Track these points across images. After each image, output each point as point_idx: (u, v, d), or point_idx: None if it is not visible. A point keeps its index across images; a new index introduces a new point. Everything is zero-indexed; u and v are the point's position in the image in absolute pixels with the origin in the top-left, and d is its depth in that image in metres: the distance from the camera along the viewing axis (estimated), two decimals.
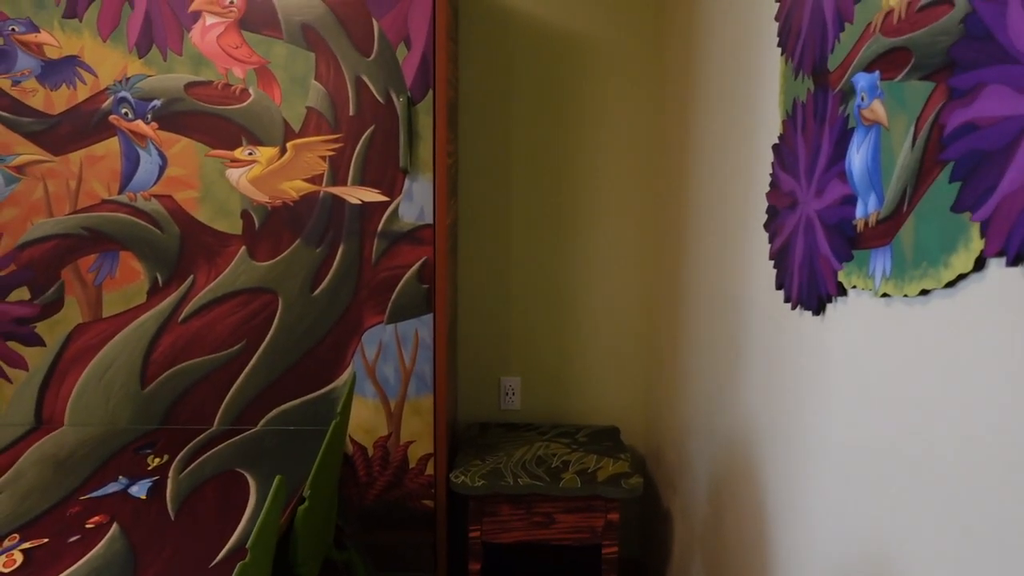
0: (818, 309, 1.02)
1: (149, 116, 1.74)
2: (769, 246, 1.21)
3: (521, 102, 2.19)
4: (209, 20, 1.71)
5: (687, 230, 1.82)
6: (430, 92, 1.75)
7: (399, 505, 1.90)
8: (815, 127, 1.02)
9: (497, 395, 2.31)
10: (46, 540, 1.27)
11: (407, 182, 1.78)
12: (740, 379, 1.38)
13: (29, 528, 1.31)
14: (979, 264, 0.68)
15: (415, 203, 1.79)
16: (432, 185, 1.78)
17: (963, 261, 0.69)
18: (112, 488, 1.49)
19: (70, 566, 1.18)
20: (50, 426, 1.84)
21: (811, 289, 1.04)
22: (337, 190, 1.78)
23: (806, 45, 1.06)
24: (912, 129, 0.78)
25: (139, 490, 1.48)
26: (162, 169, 1.76)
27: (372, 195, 1.78)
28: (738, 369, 1.39)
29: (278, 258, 1.80)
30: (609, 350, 2.28)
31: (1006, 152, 0.63)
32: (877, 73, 0.86)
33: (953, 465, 0.73)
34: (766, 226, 1.22)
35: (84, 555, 1.22)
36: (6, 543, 1.26)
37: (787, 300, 1.13)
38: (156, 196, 1.78)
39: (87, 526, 1.32)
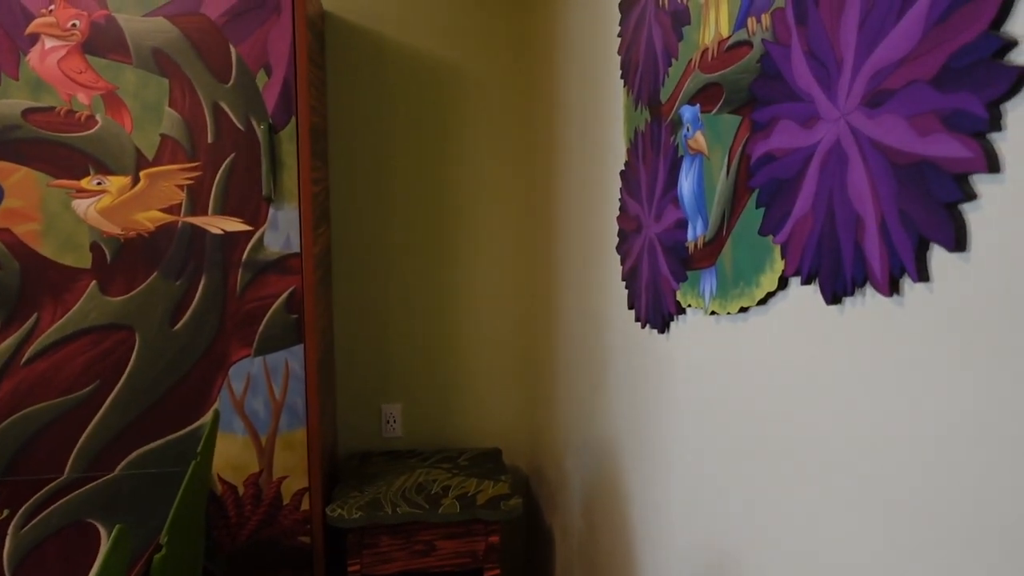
0: (663, 327, 1.07)
1: None
2: (621, 268, 1.27)
3: (394, 128, 2.19)
4: (49, 43, 1.62)
5: (556, 253, 1.88)
6: (292, 119, 1.72)
7: (274, 544, 1.83)
8: (652, 155, 1.09)
9: (379, 423, 2.28)
10: None
11: (272, 211, 1.74)
12: (604, 395, 1.43)
13: None
14: (782, 283, 0.74)
15: (281, 232, 1.75)
16: (298, 213, 1.75)
17: (770, 280, 0.75)
18: None
19: None
20: None
21: (656, 308, 1.09)
22: (197, 220, 1.71)
23: (643, 78, 1.12)
24: (727, 158, 0.84)
25: None
26: None
27: (235, 224, 1.73)
28: (603, 386, 1.44)
29: (133, 292, 1.71)
30: (490, 372, 2.30)
31: (797, 180, 0.70)
32: (698, 106, 0.92)
33: (782, 465, 0.78)
34: (617, 248, 1.28)
35: None
36: None
37: (637, 319, 1.18)
38: None
39: None
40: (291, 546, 1.83)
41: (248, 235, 1.73)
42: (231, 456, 1.79)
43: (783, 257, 0.72)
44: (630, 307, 1.22)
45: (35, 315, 1.68)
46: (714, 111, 0.87)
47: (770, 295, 0.76)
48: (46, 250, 1.67)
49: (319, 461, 1.83)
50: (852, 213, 0.61)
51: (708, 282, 0.90)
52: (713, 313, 0.90)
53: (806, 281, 0.69)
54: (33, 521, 1.47)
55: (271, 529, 1.83)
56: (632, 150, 1.18)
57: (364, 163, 2.20)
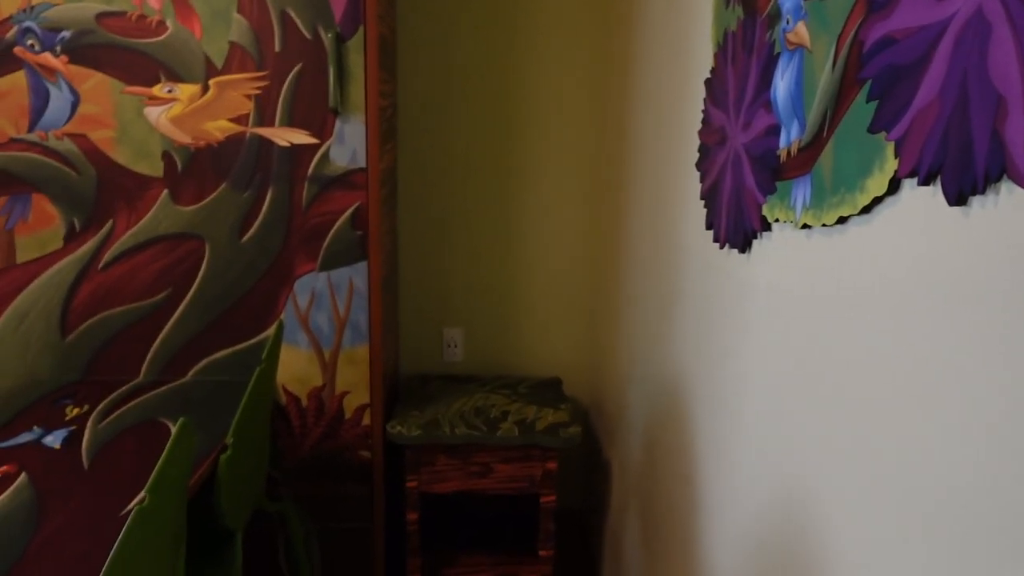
0: (744, 246, 1.00)
1: (58, 48, 1.63)
2: (700, 186, 1.19)
3: (463, 43, 2.12)
4: None
5: (627, 174, 1.79)
6: (361, 28, 1.66)
7: (335, 456, 1.86)
8: (744, 56, 0.99)
9: (440, 346, 2.28)
10: None
11: (338, 124, 1.70)
12: (673, 324, 1.37)
13: None
14: (893, 186, 0.66)
15: (347, 146, 1.71)
16: (365, 127, 1.71)
17: (878, 183, 0.67)
18: (25, 438, 1.42)
19: None
20: None
21: (737, 226, 1.01)
22: (264, 131, 1.70)
23: None
24: (833, 49, 0.75)
25: (53, 440, 1.41)
26: (74, 106, 1.66)
27: (301, 137, 1.70)
28: (673, 314, 1.38)
29: (203, 202, 1.72)
30: (553, 301, 2.25)
31: (921, 64, 0.61)
32: None
33: (871, 399, 0.72)
34: (698, 165, 1.20)
35: None
36: None
37: (716, 240, 1.11)
38: (69, 135, 1.67)
39: None
40: (351, 459, 1.86)
41: (314, 148, 1.71)
42: (295, 369, 1.82)
43: (897, 155, 0.64)
44: (708, 227, 1.14)
45: (111, 221, 1.72)
46: None
47: (877, 201, 0.68)
48: (120, 157, 1.69)
49: (380, 378, 1.84)
50: (992, 95, 0.52)
51: (801, 192, 0.82)
52: (805, 227, 0.82)
53: (924, 181, 0.60)
54: (109, 418, 1.53)
55: (332, 442, 1.86)
56: (720, 54, 1.09)
57: (432, 79, 2.13)
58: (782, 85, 0.87)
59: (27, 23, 1.61)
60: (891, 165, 0.65)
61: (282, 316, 1.78)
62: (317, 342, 1.80)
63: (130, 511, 1.16)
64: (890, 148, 0.65)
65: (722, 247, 1.09)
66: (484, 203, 2.19)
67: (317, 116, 1.70)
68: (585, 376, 2.30)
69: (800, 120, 0.82)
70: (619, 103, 1.89)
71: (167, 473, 0.93)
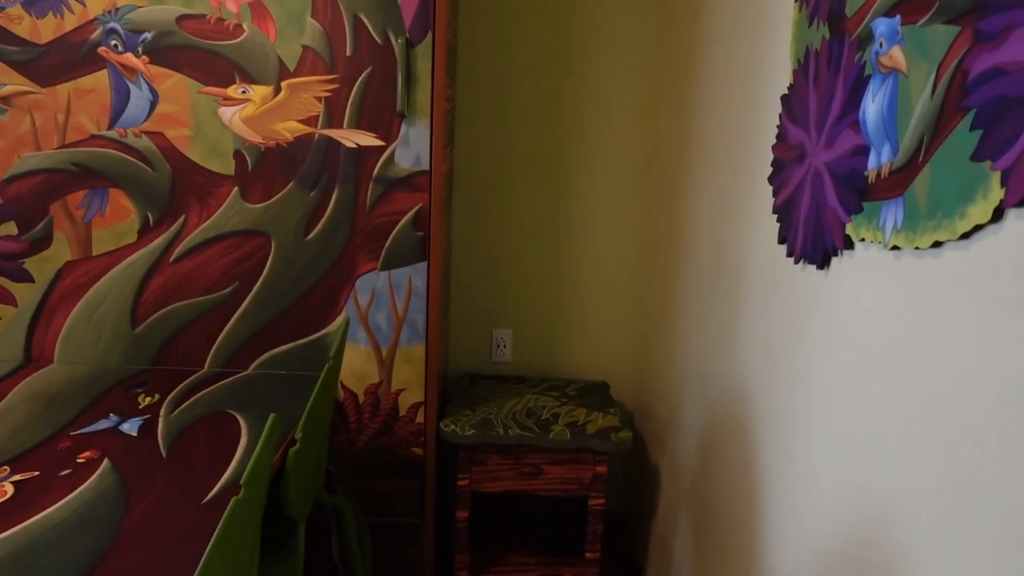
0: (823, 263, 1.01)
1: (140, 49, 1.69)
2: (773, 199, 1.20)
3: (520, 49, 2.14)
4: None
5: (686, 184, 1.80)
6: (429, 34, 1.70)
7: (388, 452, 1.91)
8: (828, 76, 1.00)
9: (488, 347, 2.31)
10: (36, 473, 1.26)
11: (404, 127, 1.74)
12: (736, 334, 1.38)
13: (19, 461, 1.30)
14: (997, 215, 0.67)
15: (411, 149, 1.75)
16: (429, 131, 1.74)
17: (981, 211, 0.68)
18: (103, 425, 1.48)
19: (60, 499, 1.18)
20: (39, 363, 1.82)
21: (816, 242, 1.03)
22: (333, 133, 1.74)
23: None
24: (933, 76, 0.76)
25: (130, 427, 1.47)
26: (153, 105, 1.72)
27: (368, 139, 1.75)
28: (735, 324, 1.39)
29: (271, 200, 1.77)
30: (601, 306, 2.27)
31: None
32: (898, 18, 0.83)
33: (959, 425, 0.73)
34: (771, 179, 1.21)
35: (75, 489, 1.21)
36: None
37: (790, 254, 1.12)
38: (147, 133, 1.73)
39: (78, 461, 1.32)
40: (404, 456, 1.90)
41: (380, 150, 1.75)
42: (354, 365, 1.86)
43: (1003, 185, 0.65)
44: (781, 241, 1.15)
45: (183, 216, 1.77)
46: (921, 22, 0.78)
47: (978, 228, 0.69)
48: (194, 155, 1.74)
49: (436, 377, 1.88)
50: None
51: (891, 214, 0.83)
52: (894, 248, 0.83)
53: None
54: (180, 407, 1.59)
55: (386, 438, 1.90)
56: (800, 71, 1.10)
57: (490, 86, 2.16)
58: (872, 107, 0.88)
59: (111, 24, 1.67)
60: (996, 194, 0.66)
61: (343, 314, 1.83)
62: (376, 340, 1.85)
63: (210, 500, 1.20)
64: (995, 177, 0.66)
65: (796, 262, 1.10)
66: (536, 208, 2.22)
67: (384, 119, 1.74)
68: (631, 381, 2.32)
69: (892, 143, 0.83)
70: (678, 114, 1.90)
71: (260, 465, 0.98)
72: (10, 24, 1.67)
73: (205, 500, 1.20)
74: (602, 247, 2.24)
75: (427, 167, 1.76)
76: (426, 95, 1.73)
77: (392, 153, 1.75)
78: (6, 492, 1.20)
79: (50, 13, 1.67)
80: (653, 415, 2.09)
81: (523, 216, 2.23)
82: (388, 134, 1.74)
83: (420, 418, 1.89)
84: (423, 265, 1.81)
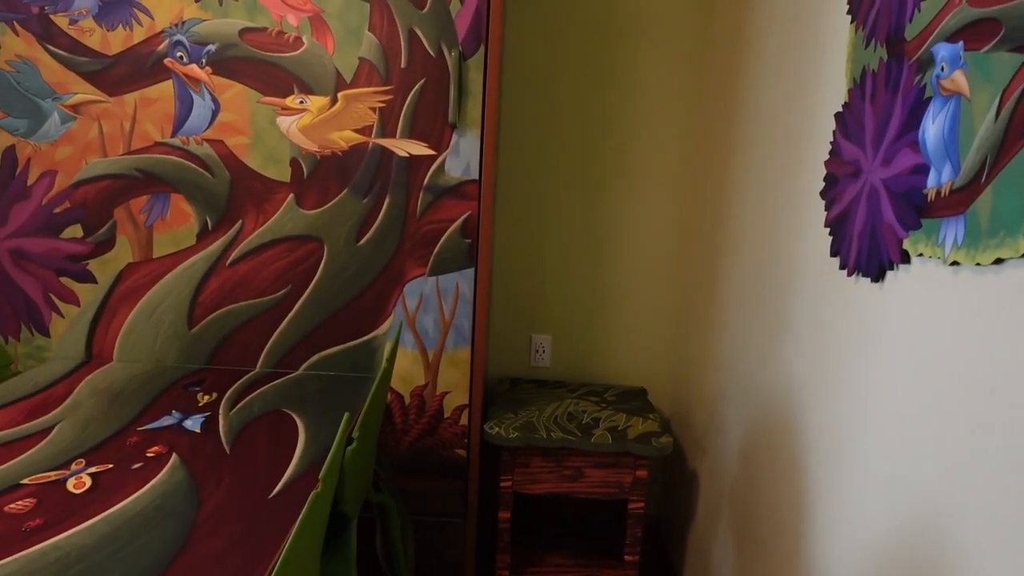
0: (878, 276, 1.04)
1: (203, 60, 1.76)
2: (825, 213, 1.23)
3: (563, 61, 2.19)
4: None
5: (728, 197, 1.84)
6: (481, 48, 1.75)
7: (432, 453, 1.96)
8: (886, 96, 1.04)
9: (528, 352, 2.35)
10: (110, 466, 1.32)
11: (454, 137, 1.79)
12: (784, 344, 1.41)
13: (92, 454, 1.37)
14: None
15: (461, 158, 1.80)
16: (479, 141, 1.80)
17: None
18: (167, 421, 1.54)
19: (136, 491, 1.24)
20: (99, 361, 1.90)
21: (872, 256, 1.06)
22: (386, 142, 1.80)
23: (880, 14, 1.06)
24: (997, 101, 0.79)
25: (193, 424, 1.53)
26: (215, 114, 1.78)
27: (420, 148, 1.80)
28: (782, 334, 1.42)
29: (325, 207, 1.83)
30: (639, 313, 2.31)
31: None
32: (961, 44, 0.87)
33: (1015, 434, 0.76)
34: (823, 193, 1.24)
35: (149, 481, 1.28)
36: (73, 467, 1.31)
37: (843, 267, 1.15)
38: (208, 140, 1.80)
39: (147, 455, 1.38)
40: (447, 457, 1.95)
41: (431, 159, 1.80)
42: (401, 368, 1.92)
43: None
44: (833, 254, 1.19)
45: (240, 221, 1.84)
46: (985, 49, 0.82)
47: None
48: (252, 162, 1.81)
49: (481, 381, 1.92)
50: None
51: (952, 231, 0.86)
52: (954, 264, 0.86)
53: None
54: (238, 406, 1.65)
55: (431, 439, 1.95)
56: (856, 90, 1.13)
57: (531, 94, 2.21)
58: (933, 128, 0.91)
59: (178, 37, 1.74)
60: None
61: (391, 318, 1.88)
62: (423, 343, 1.90)
63: (277, 494, 1.26)
64: None
65: (850, 274, 1.13)
66: (575, 217, 2.26)
67: (435, 129, 1.79)
68: (667, 387, 2.35)
69: (953, 163, 0.87)
70: (720, 128, 1.94)
71: (335, 462, 1.03)
72: (82, 36, 1.75)
73: (272, 494, 1.26)
74: (639, 256, 2.27)
75: (476, 176, 1.81)
76: (477, 106, 1.78)
77: (443, 162, 1.80)
78: (85, 483, 1.26)
79: (120, 26, 1.74)
80: (691, 421, 2.12)
81: (563, 224, 2.27)
82: (439, 144, 1.80)
83: (464, 420, 1.94)
84: (470, 271, 1.86)
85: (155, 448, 1.41)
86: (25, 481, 1.25)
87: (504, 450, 1.90)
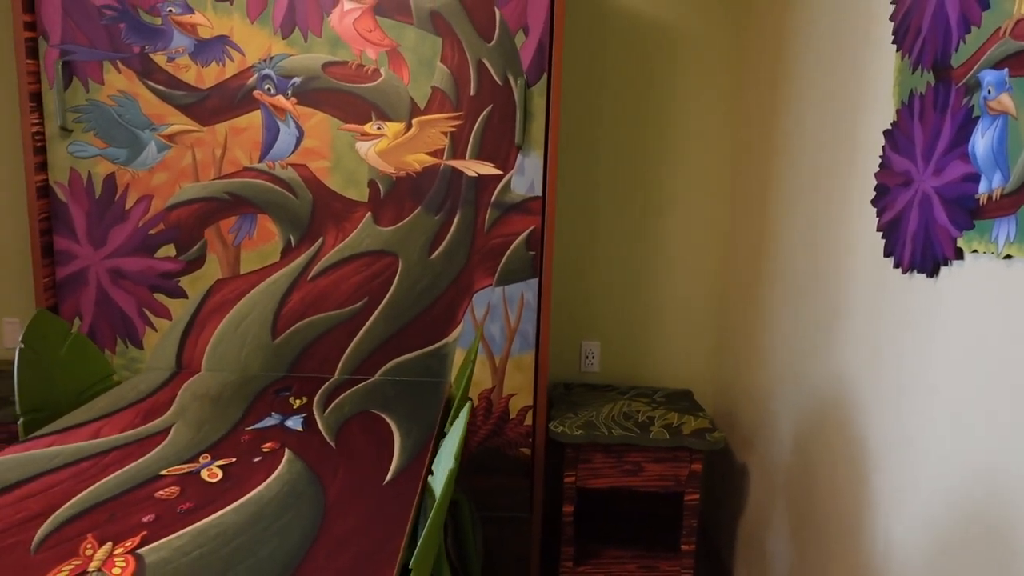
0: (933, 271, 1.19)
1: (289, 92, 1.92)
2: (877, 219, 1.38)
3: (610, 86, 2.35)
4: (347, 6, 1.89)
5: (773, 209, 1.99)
6: (545, 75, 1.91)
7: (499, 452, 2.09)
8: (935, 115, 1.19)
9: (578, 357, 2.49)
10: (234, 459, 1.47)
11: (519, 157, 1.95)
12: (837, 339, 1.55)
13: (213, 450, 1.51)
14: None
15: (526, 177, 1.96)
16: (543, 160, 1.95)
17: None
18: (270, 421, 1.68)
19: (263, 480, 1.38)
20: (189, 371, 2.04)
21: (926, 254, 1.21)
22: (456, 163, 1.96)
23: (926, 44, 1.22)
24: None
25: (294, 424, 1.68)
26: (299, 140, 1.95)
27: (488, 168, 1.96)
28: (834, 331, 1.57)
29: (400, 224, 1.99)
30: (683, 319, 2.45)
31: None
32: (1006, 71, 1.02)
33: None
34: (874, 201, 1.39)
35: (272, 471, 1.42)
36: (201, 460, 1.46)
37: (897, 266, 1.30)
38: (292, 165, 1.96)
39: (263, 449, 1.52)
40: (513, 456, 2.09)
41: (498, 178, 1.96)
42: None
43: None
44: (887, 255, 1.33)
45: (321, 239, 1.99)
46: None
47: None
48: (333, 184, 1.97)
49: (545, 383, 2.06)
50: None
51: (1004, 229, 1.01)
52: (1007, 257, 1.01)
53: None
54: (329, 407, 1.79)
55: (498, 439, 2.09)
56: (905, 110, 1.28)
57: (581, 116, 2.37)
58: (982, 142, 1.06)
59: (266, 71, 1.91)
60: None
61: (460, 326, 2.03)
62: (490, 349, 2.04)
63: (390, 481, 1.40)
64: None
65: (904, 272, 1.28)
66: (621, 229, 2.41)
67: (501, 150, 1.95)
68: (711, 387, 2.49)
69: (1003, 171, 1.02)
70: (761, 142, 2.09)
71: (462, 444, 1.17)
72: (179, 72, 1.92)
73: (385, 481, 1.40)
74: (682, 266, 2.42)
75: (539, 193, 1.97)
76: (540, 129, 1.94)
77: (509, 181, 1.96)
78: (217, 474, 1.40)
79: (213, 62, 1.91)
80: (736, 419, 2.26)
81: (609, 235, 2.42)
82: (505, 164, 1.95)
83: (528, 421, 2.08)
84: (534, 281, 2.01)
85: (268, 444, 1.55)
86: (164, 472, 1.40)
87: (568, 447, 2.04)
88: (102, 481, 1.34)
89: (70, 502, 1.26)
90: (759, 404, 2.06)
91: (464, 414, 1.19)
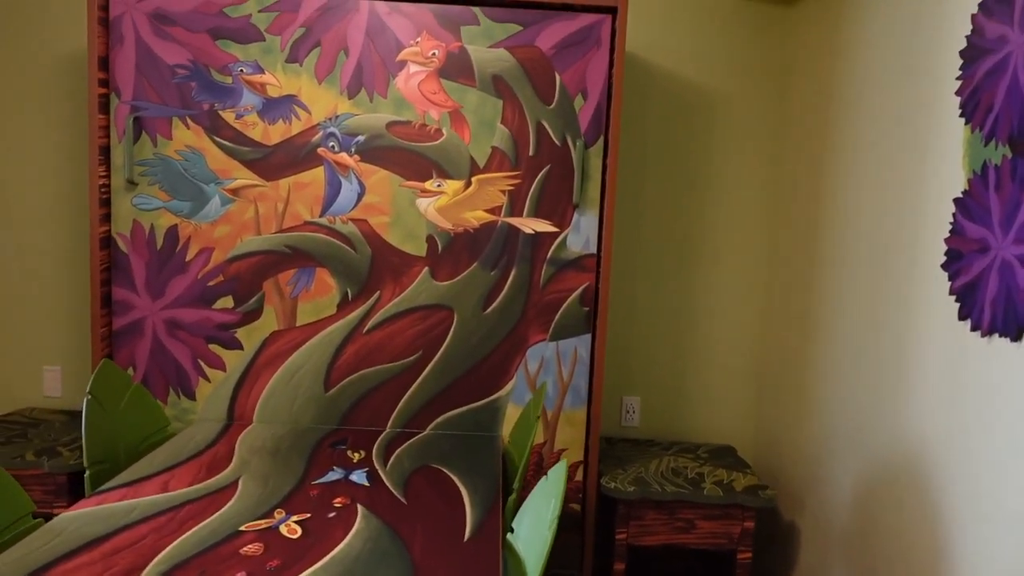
0: (1017, 336, 1.23)
1: (353, 149, 1.97)
2: (949, 283, 1.42)
3: (653, 146, 2.42)
4: (413, 68, 1.95)
5: (822, 271, 2.03)
6: (601, 138, 1.97)
7: None
8: (1013, 187, 1.24)
9: (619, 412, 2.50)
10: (308, 515, 1.46)
11: (576, 215, 2.00)
12: (907, 400, 1.58)
13: (287, 504, 1.50)
14: None
15: (581, 234, 2.00)
16: (598, 218, 2.00)
17: None
18: (334, 476, 1.68)
19: (344, 536, 1.37)
20: (240, 423, 2.04)
21: (1008, 318, 1.24)
22: (514, 220, 2.00)
23: (1000, 118, 1.28)
24: None
25: (359, 478, 1.67)
26: (360, 196, 1.99)
27: (544, 226, 2.00)
28: (901, 391, 1.59)
29: (456, 279, 2.02)
30: (723, 375, 2.47)
31: None
32: None
33: None
34: (945, 266, 1.43)
35: (350, 527, 1.41)
36: (276, 516, 1.45)
37: (975, 329, 1.34)
38: (353, 220, 2.00)
39: (335, 505, 1.52)
40: (564, 510, 2.08)
41: (554, 236, 2.00)
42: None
43: None
44: (962, 319, 1.37)
45: (378, 292, 2.02)
46: None
47: None
48: (392, 239, 2.00)
49: (597, 439, 2.07)
50: None
51: None
52: None
53: None
54: (390, 462, 1.79)
55: None
56: (977, 180, 1.34)
57: (625, 174, 2.44)
58: None
59: (331, 129, 1.96)
60: None
61: (513, 381, 2.04)
62: (543, 404, 2.05)
63: (471, 537, 1.39)
64: None
65: (984, 335, 1.31)
66: (663, 286, 2.45)
67: (559, 208, 2.00)
68: (752, 443, 2.49)
69: None
70: (808, 206, 2.15)
71: (560, 509, 1.18)
72: (246, 129, 1.97)
73: (466, 538, 1.40)
74: (723, 323, 2.46)
75: (594, 250, 2.01)
76: (596, 188, 1.99)
77: (564, 238, 2.00)
78: (296, 531, 1.39)
79: (280, 120, 1.96)
80: (784, 476, 2.26)
81: (652, 294, 2.46)
82: (562, 222, 2.00)
83: (579, 476, 2.07)
84: (587, 336, 2.03)
85: (339, 499, 1.55)
86: (243, 528, 1.39)
87: (620, 503, 2.04)
88: (184, 536, 1.34)
89: (157, 558, 1.25)
90: (811, 462, 2.07)
91: (560, 477, 1.20)
